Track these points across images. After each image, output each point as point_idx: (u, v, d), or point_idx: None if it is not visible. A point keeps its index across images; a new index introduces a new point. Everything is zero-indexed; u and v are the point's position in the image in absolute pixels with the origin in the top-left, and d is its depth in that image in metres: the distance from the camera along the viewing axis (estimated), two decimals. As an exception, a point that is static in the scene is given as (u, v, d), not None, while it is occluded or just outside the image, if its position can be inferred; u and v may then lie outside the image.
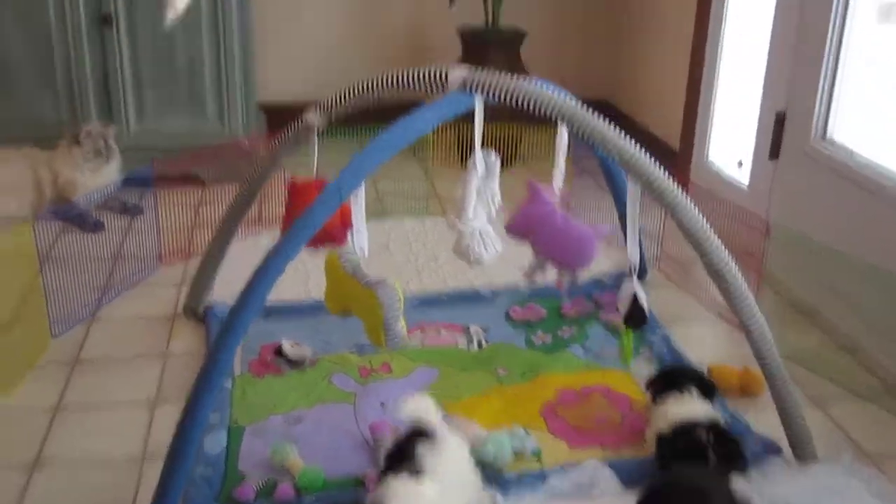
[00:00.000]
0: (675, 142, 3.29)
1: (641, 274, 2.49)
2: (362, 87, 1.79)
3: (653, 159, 1.63)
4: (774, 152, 2.62)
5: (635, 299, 1.78)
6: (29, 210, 2.88)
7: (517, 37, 3.40)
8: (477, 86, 1.66)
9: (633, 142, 1.62)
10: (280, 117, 3.75)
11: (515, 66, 3.40)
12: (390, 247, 2.74)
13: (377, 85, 1.77)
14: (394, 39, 3.82)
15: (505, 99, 1.67)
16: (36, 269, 2.19)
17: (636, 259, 1.76)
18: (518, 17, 3.57)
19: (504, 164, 1.85)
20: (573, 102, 1.64)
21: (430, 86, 1.72)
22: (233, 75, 3.20)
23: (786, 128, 2.58)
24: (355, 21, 3.79)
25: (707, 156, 3.09)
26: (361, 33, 3.80)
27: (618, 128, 1.62)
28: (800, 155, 2.52)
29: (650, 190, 1.63)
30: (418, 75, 1.72)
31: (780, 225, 2.36)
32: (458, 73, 1.69)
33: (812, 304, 2.36)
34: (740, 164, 2.89)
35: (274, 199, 2.83)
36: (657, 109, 3.52)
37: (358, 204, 1.61)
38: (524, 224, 1.92)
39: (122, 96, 3.17)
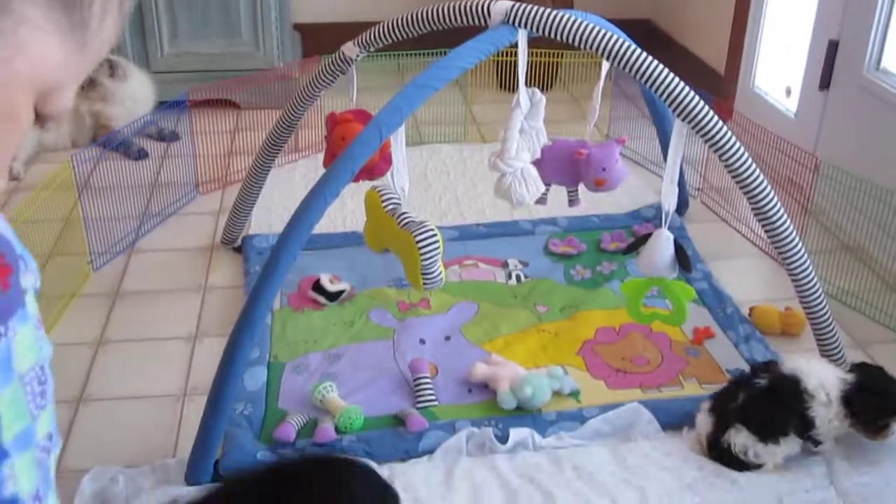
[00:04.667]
0: (719, 65, 3.19)
1: (682, 207, 2.45)
2: (403, 22, 1.75)
3: (696, 92, 1.57)
4: (825, 82, 2.53)
5: (679, 247, 1.68)
6: (68, 140, 2.88)
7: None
8: (520, 20, 1.61)
9: (679, 81, 1.57)
10: (314, 37, 3.70)
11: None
12: (428, 176, 2.71)
13: (418, 19, 1.72)
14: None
15: (549, 33, 1.62)
16: (75, 199, 2.19)
17: (671, 206, 1.64)
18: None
19: (543, 88, 1.79)
20: (618, 38, 1.59)
21: (472, 19, 1.67)
22: (267, -4, 3.13)
23: (838, 57, 2.48)
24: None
25: (753, 81, 3.00)
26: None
27: (659, 50, 1.56)
28: (852, 86, 2.43)
29: (697, 129, 1.58)
30: (460, 8, 1.67)
31: (829, 161, 2.29)
32: (501, 6, 1.64)
33: (860, 241, 2.30)
34: (788, 91, 2.80)
35: (310, 127, 2.80)
36: (701, 30, 3.40)
37: (398, 144, 1.58)
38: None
39: (156, 20, 3.12)
